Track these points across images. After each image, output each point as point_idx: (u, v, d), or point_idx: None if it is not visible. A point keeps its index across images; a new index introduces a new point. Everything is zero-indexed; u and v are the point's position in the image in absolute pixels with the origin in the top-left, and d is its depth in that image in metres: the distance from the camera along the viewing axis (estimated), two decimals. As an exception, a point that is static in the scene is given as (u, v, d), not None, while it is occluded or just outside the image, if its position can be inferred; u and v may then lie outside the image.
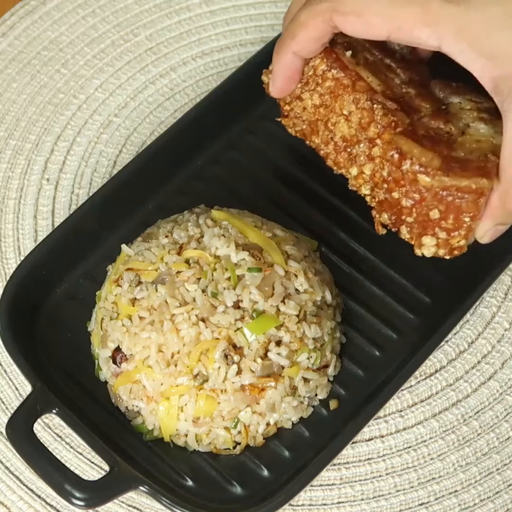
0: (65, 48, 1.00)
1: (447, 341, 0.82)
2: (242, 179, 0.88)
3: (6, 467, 0.77)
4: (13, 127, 0.95)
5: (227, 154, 0.90)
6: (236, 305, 0.74)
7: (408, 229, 0.75)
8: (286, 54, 0.74)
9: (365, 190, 0.77)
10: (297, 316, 0.75)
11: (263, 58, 0.87)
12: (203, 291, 0.74)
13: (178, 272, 0.75)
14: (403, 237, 0.75)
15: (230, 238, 0.76)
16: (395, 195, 0.74)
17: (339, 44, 0.78)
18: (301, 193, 0.87)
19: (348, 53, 0.77)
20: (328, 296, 0.79)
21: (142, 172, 0.85)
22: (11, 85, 0.97)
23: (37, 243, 0.84)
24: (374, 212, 0.77)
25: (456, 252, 0.74)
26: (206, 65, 0.99)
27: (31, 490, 0.76)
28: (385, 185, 0.74)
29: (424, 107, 0.77)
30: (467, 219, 0.72)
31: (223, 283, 0.74)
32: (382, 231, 0.77)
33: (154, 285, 0.75)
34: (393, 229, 0.76)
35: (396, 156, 0.73)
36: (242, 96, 0.88)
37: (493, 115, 0.76)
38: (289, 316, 0.75)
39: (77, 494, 0.69)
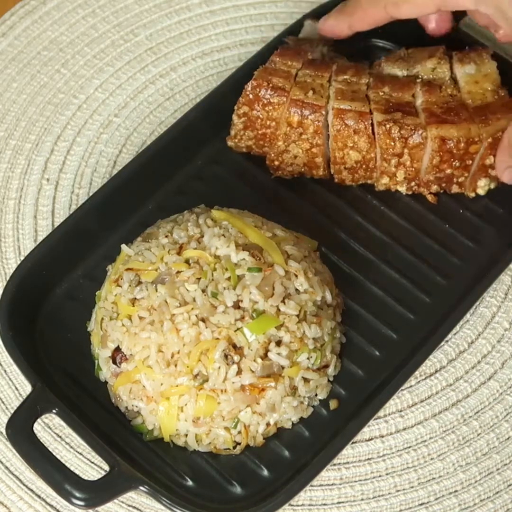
0: (65, 48, 1.00)
1: (447, 341, 0.82)
2: (242, 179, 0.88)
3: (6, 467, 0.77)
4: (13, 127, 0.95)
5: (227, 154, 0.90)
6: (236, 305, 0.74)
7: (458, 185, 0.84)
8: (341, 23, 0.87)
9: (400, 188, 0.85)
10: (297, 316, 0.75)
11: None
12: (203, 291, 0.74)
13: (178, 272, 0.75)
14: (453, 191, 0.84)
15: (230, 238, 0.76)
16: (448, 171, 0.83)
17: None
18: (301, 193, 0.87)
19: (310, 93, 0.83)
20: (328, 296, 0.78)
21: (142, 172, 0.85)
22: (11, 85, 0.97)
23: (37, 243, 0.84)
24: (421, 189, 0.85)
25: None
26: (206, 65, 0.99)
27: (31, 490, 0.76)
28: (434, 171, 0.83)
29: (408, 94, 0.82)
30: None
31: (223, 283, 0.74)
32: (434, 200, 0.86)
33: (154, 285, 0.75)
34: (442, 191, 0.86)
35: (439, 143, 0.80)
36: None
37: (457, 53, 0.85)
38: (289, 316, 0.74)
39: (77, 494, 0.69)
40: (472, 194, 0.85)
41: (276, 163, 0.86)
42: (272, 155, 0.85)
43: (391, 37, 0.88)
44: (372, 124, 0.81)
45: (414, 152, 0.81)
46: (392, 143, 0.81)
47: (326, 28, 0.88)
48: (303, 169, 0.86)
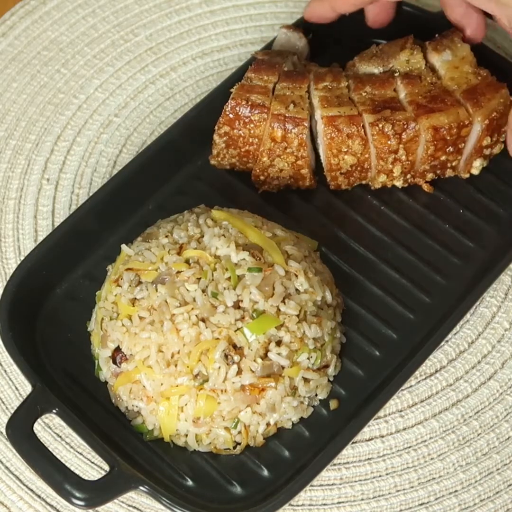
0: (65, 48, 1.00)
1: (447, 341, 0.82)
2: (242, 179, 0.88)
3: (6, 467, 0.77)
4: (13, 127, 0.95)
5: (227, 154, 0.90)
6: (236, 305, 0.74)
7: (452, 169, 0.85)
8: (323, 5, 0.87)
9: (396, 183, 0.86)
10: (297, 316, 0.75)
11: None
12: (203, 291, 0.74)
13: (178, 272, 0.75)
14: (447, 176, 0.86)
15: (230, 238, 0.76)
16: (443, 158, 0.83)
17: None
18: (301, 193, 0.87)
19: (291, 107, 0.82)
20: (328, 296, 0.79)
21: (142, 172, 0.85)
22: (11, 85, 0.97)
23: (37, 243, 0.84)
24: (417, 179, 0.85)
25: (492, 157, 0.87)
26: (206, 65, 0.99)
27: (31, 490, 0.76)
28: (429, 160, 0.83)
29: (390, 90, 0.83)
30: (504, 129, 0.84)
31: (223, 283, 0.74)
32: (430, 189, 0.87)
33: (154, 285, 0.75)
34: (436, 178, 0.86)
35: (433, 133, 0.81)
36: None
37: (430, 42, 0.85)
38: (289, 316, 0.74)
39: (77, 494, 0.69)
40: (466, 175, 0.86)
41: (262, 178, 0.86)
42: (257, 170, 0.85)
43: (391, 37, 0.87)
44: (363, 126, 0.81)
45: (409, 146, 0.82)
46: (388, 141, 0.81)
47: (309, 13, 0.88)
48: (289, 182, 0.86)
